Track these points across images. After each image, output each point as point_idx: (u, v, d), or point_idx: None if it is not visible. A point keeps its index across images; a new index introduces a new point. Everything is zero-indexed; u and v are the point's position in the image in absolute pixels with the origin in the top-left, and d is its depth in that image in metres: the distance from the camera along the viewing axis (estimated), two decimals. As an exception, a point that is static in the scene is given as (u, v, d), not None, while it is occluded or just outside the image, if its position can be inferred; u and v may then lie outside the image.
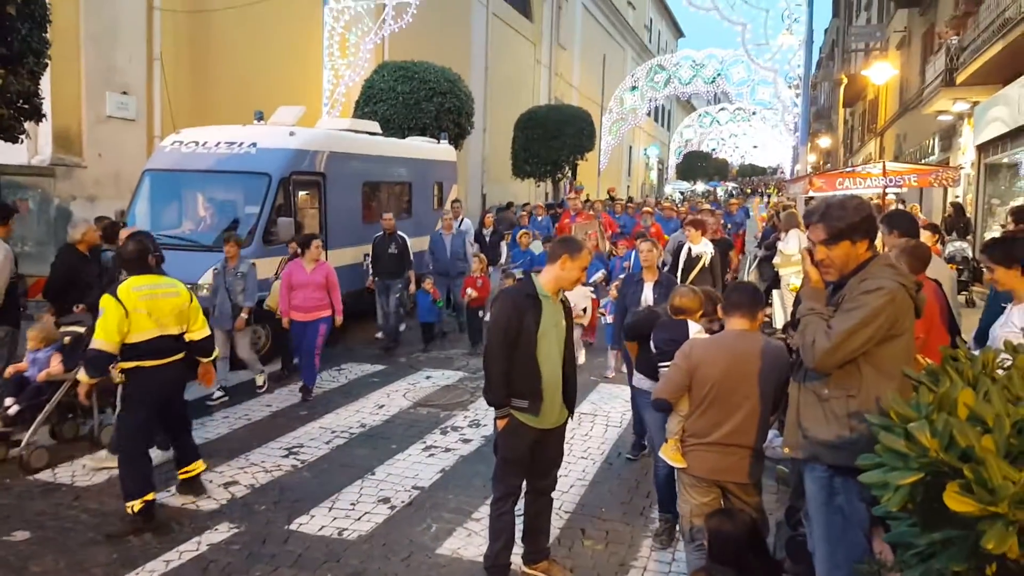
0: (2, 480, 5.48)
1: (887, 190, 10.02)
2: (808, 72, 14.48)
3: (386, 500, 5.27)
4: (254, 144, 9.35)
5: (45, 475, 5.59)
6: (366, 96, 15.77)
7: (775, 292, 10.95)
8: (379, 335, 10.30)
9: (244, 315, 7.50)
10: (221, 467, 5.83)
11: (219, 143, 9.46)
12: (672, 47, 59.97)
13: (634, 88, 33.79)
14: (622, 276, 9.73)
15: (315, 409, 7.38)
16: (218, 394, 7.47)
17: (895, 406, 1.93)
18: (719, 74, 30.68)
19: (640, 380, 4.98)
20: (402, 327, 10.47)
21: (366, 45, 16.52)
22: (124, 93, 13.39)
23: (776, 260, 10.58)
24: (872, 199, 11.22)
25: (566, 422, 4.15)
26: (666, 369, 4.16)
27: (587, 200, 21.98)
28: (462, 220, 11.83)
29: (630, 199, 27.13)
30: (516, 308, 3.85)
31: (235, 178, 9.35)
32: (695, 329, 4.51)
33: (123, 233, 6.94)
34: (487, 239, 12.72)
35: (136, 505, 4.72)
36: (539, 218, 14.55)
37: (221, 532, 4.77)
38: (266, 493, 5.38)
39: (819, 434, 2.93)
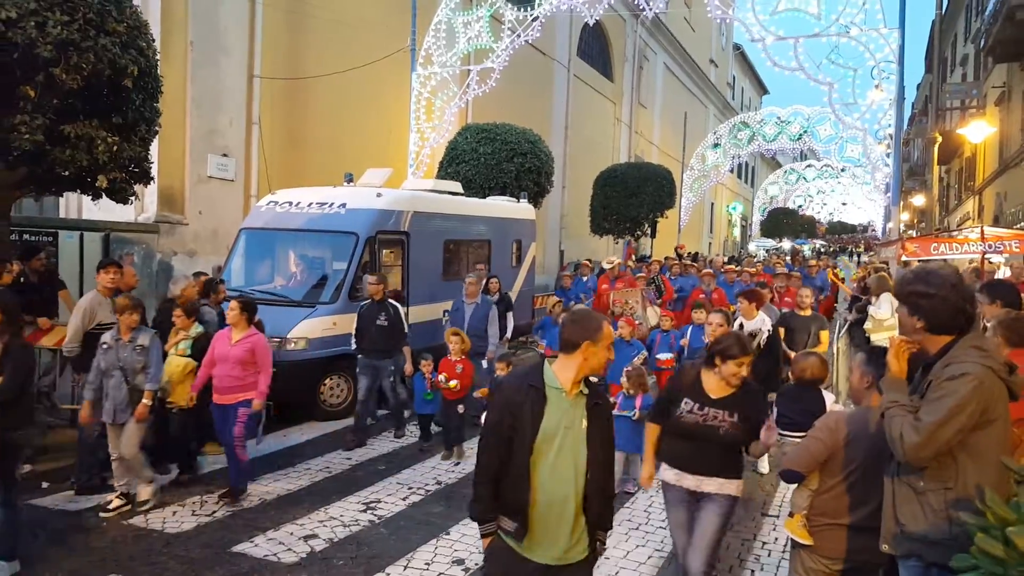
0: (99, 524, 5.73)
1: (986, 255, 9.51)
2: (899, 132, 14.05)
3: (460, 562, 5.24)
4: (343, 204, 9.74)
5: (138, 520, 5.82)
6: (450, 157, 16.26)
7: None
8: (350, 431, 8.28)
9: (147, 400, 5.83)
10: (302, 519, 5.93)
11: (311, 203, 9.91)
12: (756, 104, 59.60)
13: (716, 145, 33.69)
14: (665, 356, 8.24)
15: (392, 464, 7.46)
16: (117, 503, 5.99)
17: (993, 506, 1.81)
18: (805, 131, 30.28)
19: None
20: (372, 419, 8.52)
21: (451, 109, 17.10)
22: (224, 155, 14.21)
23: (867, 325, 10.16)
24: (972, 264, 10.68)
25: (590, 558, 3.16)
26: (792, 438, 4.05)
27: (643, 258, 20.79)
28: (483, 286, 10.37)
29: (693, 256, 26.17)
30: (510, 403, 3.06)
31: (325, 237, 9.74)
32: (831, 400, 4.38)
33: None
34: None
35: None
36: (584, 278, 13.47)
37: (299, 587, 4.83)
38: (344, 548, 5.44)
39: (918, 530, 2.77)
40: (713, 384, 4.06)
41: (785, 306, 9.94)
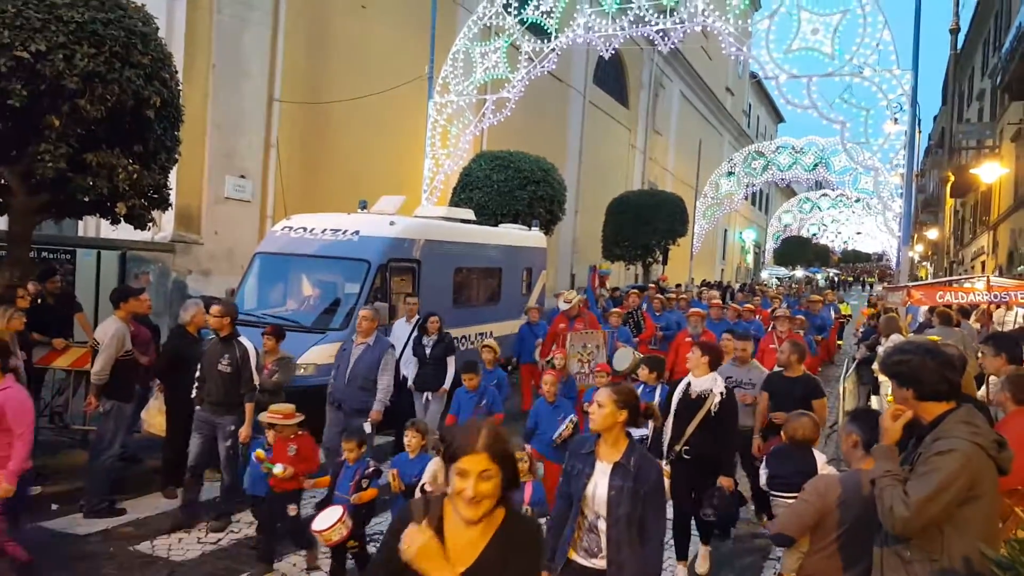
0: (107, 549, 5.81)
1: (992, 304, 9.43)
2: (911, 173, 14.03)
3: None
4: (357, 232, 9.88)
5: (144, 546, 5.90)
6: (463, 183, 16.43)
7: (874, 399, 10.47)
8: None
9: None
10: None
11: (325, 230, 10.05)
12: (771, 132, 59.73)
13: (731, 174, 33.77)
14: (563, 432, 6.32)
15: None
16: None
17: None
18: (819, 162, 30.33)
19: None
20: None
21: (466, 136, 17.31)
22: (242, 176, 14.44)
23: (876, 365, 10.12)
24: (982, 305, 10.57)
25: None
26: (783, 500, 4.05)
27: (615, 290, 18.43)
28: (417, 323, 8.95)
29: (707, 284, 24.93)
30: None
31: (337, 263, 9.86)
32: (822, 460, 4.36)
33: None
34: (428, 350, 8.52)
35: None
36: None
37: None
38: (343, 583, 5.46)
39: None
40: (456, 527, 2.20)
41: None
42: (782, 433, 4.48)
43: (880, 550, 2.95)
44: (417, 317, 9.14)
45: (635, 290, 13.88)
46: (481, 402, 6.94)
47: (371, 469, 5.28)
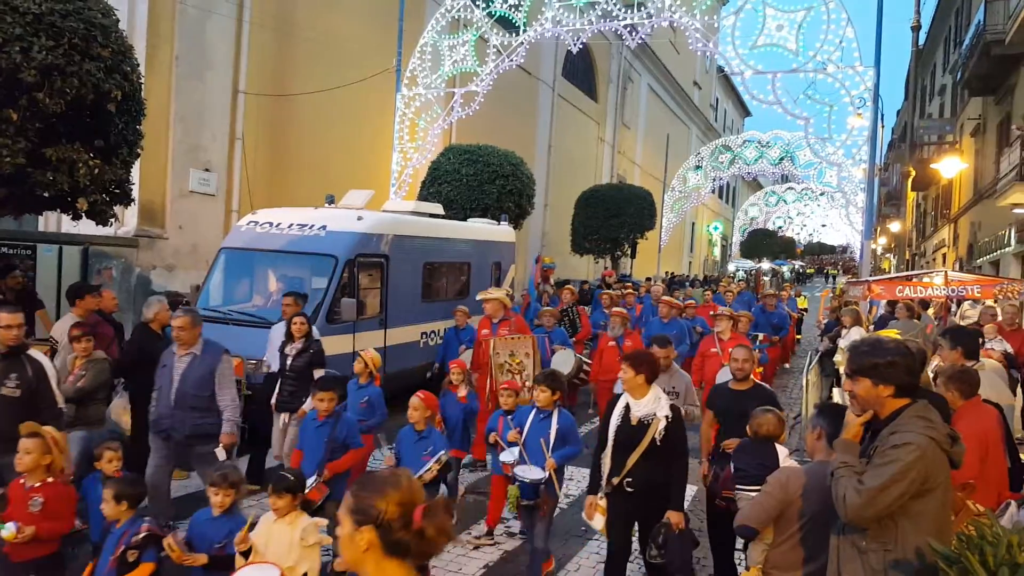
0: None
1: (950, 299, 9.76)
2: (873, 168, 14.32)
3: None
4: (324, 227, 9.80)
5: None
6: (432, 177, 16.40)
7: (836, 391, 10.66)
8: None
9: None
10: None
11: (291, 224, 9.94)
12: (738, 126, 60.32)
13: (698, 167, 34.12)
14: (510, 457, 5.34)
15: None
16: None
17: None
18: (785, 156, 30.80)
19: None
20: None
21: (434, 130, 17.24)
22: (206, 170, 14.23)
23: (837, 357, 10.31)
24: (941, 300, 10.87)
25: None
26: (747, 493, 4.13)
27: (553, 284, 16.55)
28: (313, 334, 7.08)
29: (671, 279, 24.72)
30: None
31: (304, 259, 9.78)
32: (784, 453, 4.43)
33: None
34: (289, 360, 6.88)
35: None
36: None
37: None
38: None
39: None
40: None
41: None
42: (747, 428, 4.53)
43: (837, 539, 3.02)
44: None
45: (569, 286, 12.66)
46: (329, 435, 5.30)
47: (143, 535, 3.78)
